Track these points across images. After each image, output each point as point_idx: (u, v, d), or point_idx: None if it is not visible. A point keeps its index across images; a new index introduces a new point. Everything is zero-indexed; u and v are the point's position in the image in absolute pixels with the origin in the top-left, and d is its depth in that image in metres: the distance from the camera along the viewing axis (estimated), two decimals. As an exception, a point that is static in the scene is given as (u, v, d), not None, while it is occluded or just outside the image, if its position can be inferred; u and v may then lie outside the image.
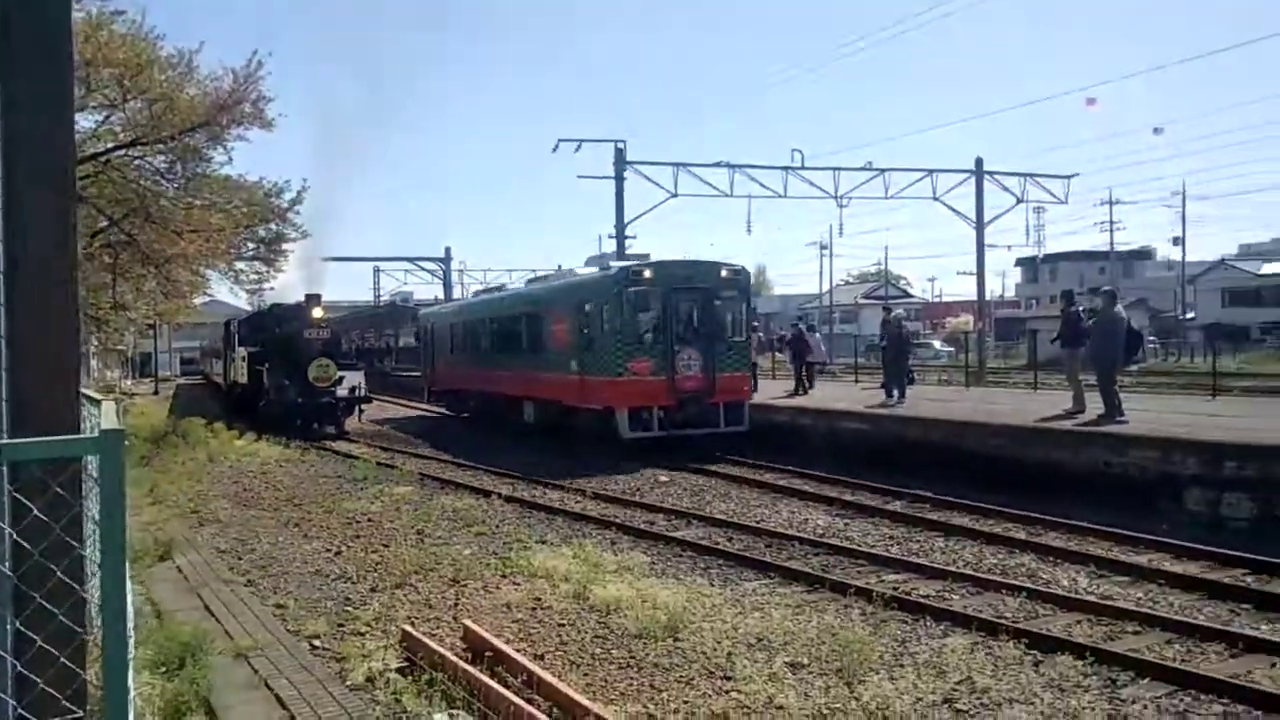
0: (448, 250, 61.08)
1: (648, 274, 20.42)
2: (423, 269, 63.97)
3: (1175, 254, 77.28)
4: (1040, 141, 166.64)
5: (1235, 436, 13.11)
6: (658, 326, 20.24)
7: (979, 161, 42.07)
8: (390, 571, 10.72)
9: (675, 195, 37.52)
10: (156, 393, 55.31)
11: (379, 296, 76.00)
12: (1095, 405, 16.01)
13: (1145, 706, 6.70)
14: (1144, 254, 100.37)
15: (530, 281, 30.39)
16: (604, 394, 20.24)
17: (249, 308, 39.11)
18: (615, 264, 21.53)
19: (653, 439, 19.77)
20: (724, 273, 21.18)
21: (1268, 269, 76.92)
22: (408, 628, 8.14)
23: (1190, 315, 70.89)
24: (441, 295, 62.72)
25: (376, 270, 73.29)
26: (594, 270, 23.69)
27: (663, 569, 10.90)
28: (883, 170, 40.16)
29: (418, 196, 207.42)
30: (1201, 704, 6.78)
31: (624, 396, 19.80)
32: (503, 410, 26.94)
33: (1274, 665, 7.43)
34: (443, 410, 34.63)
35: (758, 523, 13.27)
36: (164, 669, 6.94)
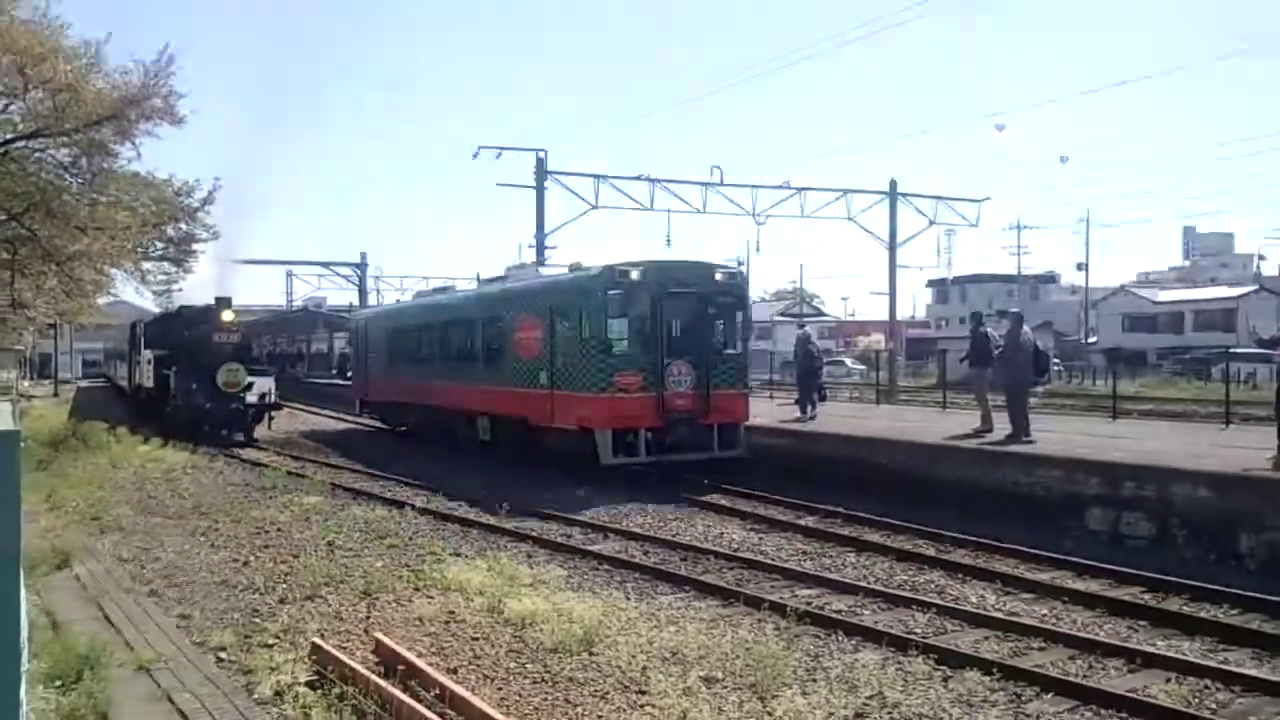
0: (363, 255, 60.19)
1: (635, 275, 17.73)
2: (337, 274, 62.89)
3: (1079, 279, 79.84)
4: (953, 165, 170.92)
5: (1133, 458, 13.56)
6: (645, 336, 17.87)
7: (893, 184, 43.01)
8: (300, 583, 10.49)
9: (596, 207, 37.56)
10: (56, 395, 53.45)
11: (292, 301, 74.57)
12: (1003, 425, 16.41)
13: (1051, 722, 6.87)
14: (1049, 278, 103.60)
15: (486, 282, 26.60)
16: (581, 412, 17.82)
17: (156, 309, 37.98)
18: (595, 265, 18.86)
19: (639, 466, 17.57)
20: (719, 276, 18.91)
21: (1164, 296, 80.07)
22: (318, 640, 7.97)
23: (1092, 339, 73.30)
24: (356, 301, 61.78)
25: (289, 274, 72.01)
26: (569, 270, 20.75)
27: (579, 583, 10.86)
28: (800, 189, 40.75)
29: (333, 200, 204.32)
30: (1103, 718, 6.98)
31: (606, 416, 17.37)
32: (451, 426, 24.23)
33: (1169, 680, 7.68)
34: (378, 424, 31.52)
35: (673, 536, 13.32)
36: (60, 682, 6.68)
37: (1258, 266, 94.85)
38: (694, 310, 18.36)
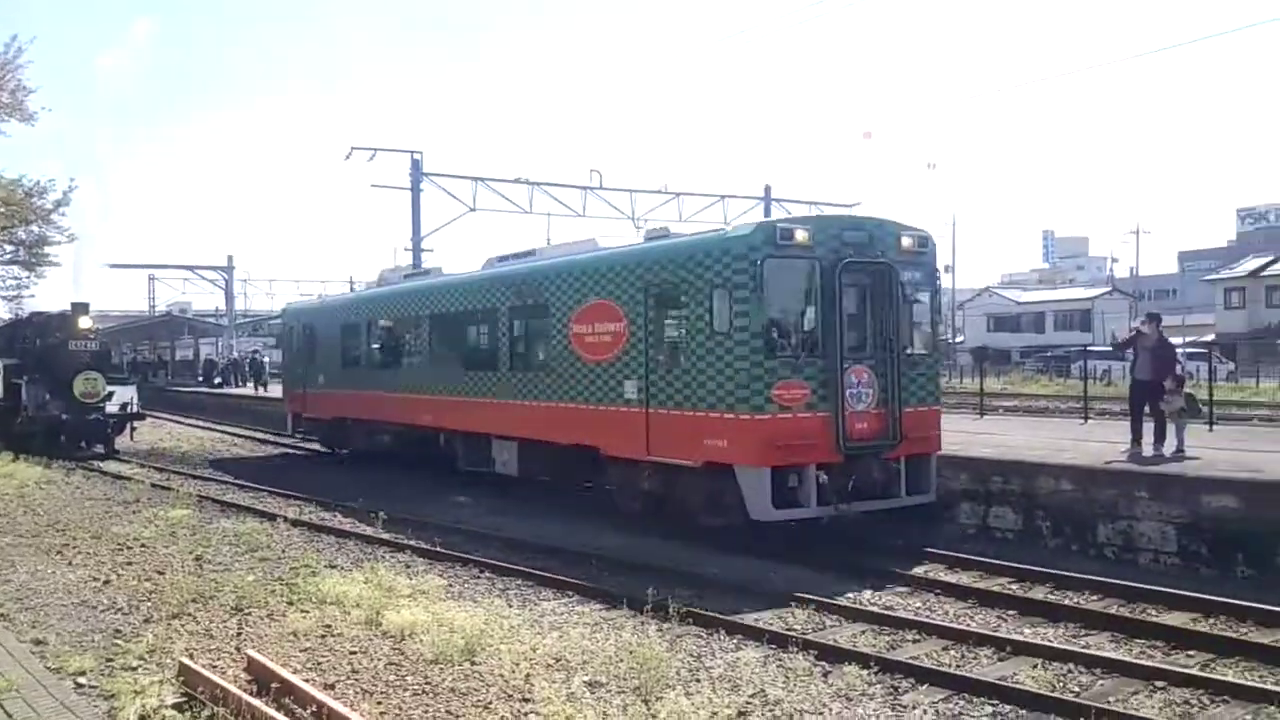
0: (230, 259, 58.22)
1: (802, 235, 12.31)
2: (203, 278, 60.69)
3: (946, 280, 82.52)
4: (826, 171, 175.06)
5: (1000, 453, 14.07)
6: (817, 327, 12.57)
7: (767, 189, 43.81)
8: (166, 601, 10.03)
9: (474, 210, 37.22)
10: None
11: (154, 307, 71.67)
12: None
13: (925, 711, 7.06)
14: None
15: (502, 260, 19.26)
16: (713, 440, 12.41)
17: (7, 315, 36.03)
18: (741, 223, 13.73)
19: (808, 521, 12.37)
20: (906, 240, 13.26)
21: (1025, 297, 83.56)
22: (185, 660, 7.64)
23: (960, 339, 75.92)
24: (223, 306, 59.76)
25: (151, 279, 69.09)
26: (649, 237, 15.64)
27: (460, 591, 10.70)
28: (677, 194, 41.19)
29: (198, 202, 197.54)
30: (975, 706, 7.20)
31: (761, 446, 11.93)
32: (447, 452, 19.27)
33: (1035, 666, 7.98)
34: (314, 446, 26.30)
35: (555, 543, 13.24)
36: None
37: (1110, 269, 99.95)
38: (877, 289, 12.97)
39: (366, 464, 21.66)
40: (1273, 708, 7.07)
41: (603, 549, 12.60)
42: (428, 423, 19.49)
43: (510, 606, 9.99)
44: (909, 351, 13.20)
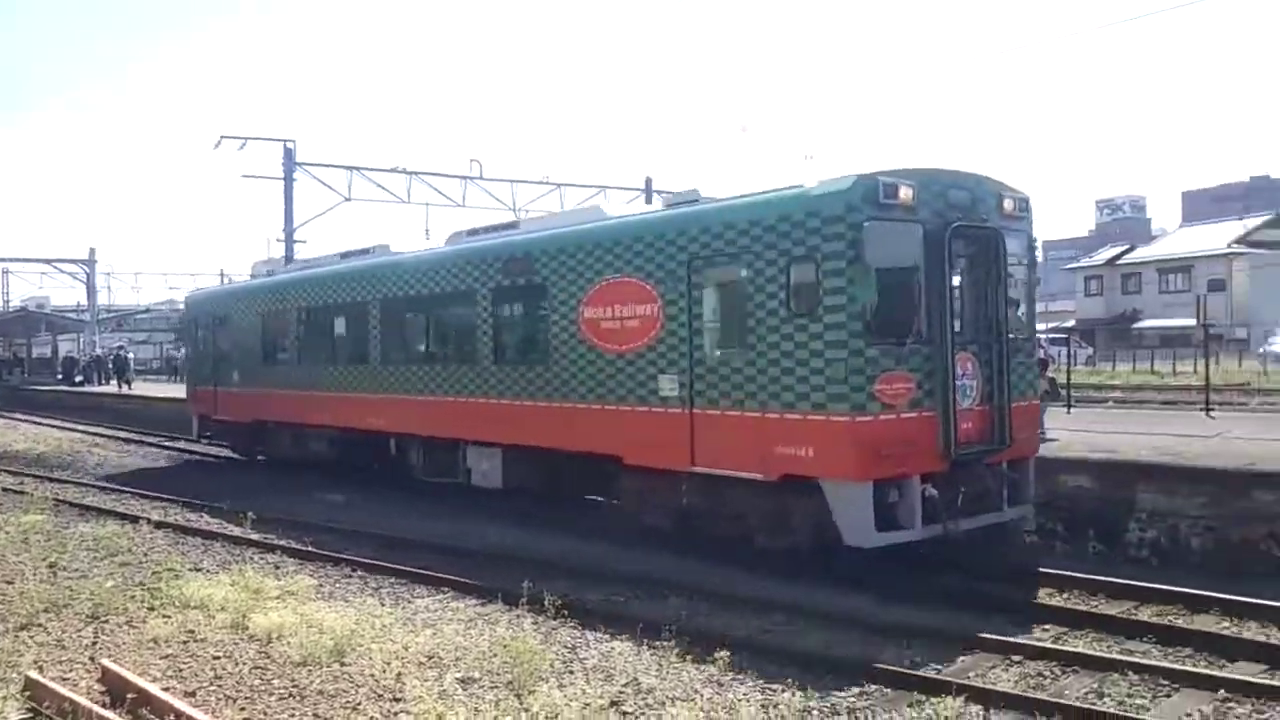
0: (92, 251, 55.62)
1: (906, 192, 9.98)
2: (62, 271, 57.88)
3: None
4: (706, 163, 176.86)
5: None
6: (918, 305, 10.38)
7: (648, 180, 43.93)
8: (14, 611, 9.56)
9: (349, 200, 36.45)
10: None
11: (8, 302, 68.18)
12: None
13: (794, 694, 7.18)
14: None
15: (470, 235, 16.36)
16: (790, 448, 10.12)
17: None
18: (830, 177, 10.30)
19: (912, 544, 10.07)
20: (1008, 203, 11.14)
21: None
22: (33, 674, 7.29)
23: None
24: (84, 301, 57.15)
25: (5, 272, 65.69)
26: (670, 204, 12.97)
27: (330, 591, 10.48)
28: (559, 185, 41.02)
29: (56, 192, 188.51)
30: (841, 685, 7.37)
31: (865, 454, 9.72)
32: (399, 460, 16.89)
33: (903, 646, 8.22)
34: (223, 450, 23.62)
35: (429, 537, 13.06)
36: None
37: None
38: (981, 260, 10.90)
39: (241, 465, 20.97)
40: (1116, 675, 7.45)
41: (488, 545, 12.51)
42: (377, 426, 16.82)
43: (383, 605, 9.84)
44: (1019, 336, 11.37)
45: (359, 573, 11.34)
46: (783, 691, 7.23)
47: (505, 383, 13.95)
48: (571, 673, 7.70)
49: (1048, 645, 8.20)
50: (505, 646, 8.08)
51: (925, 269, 10.21)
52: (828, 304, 9.81)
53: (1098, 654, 8.00)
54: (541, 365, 13.25)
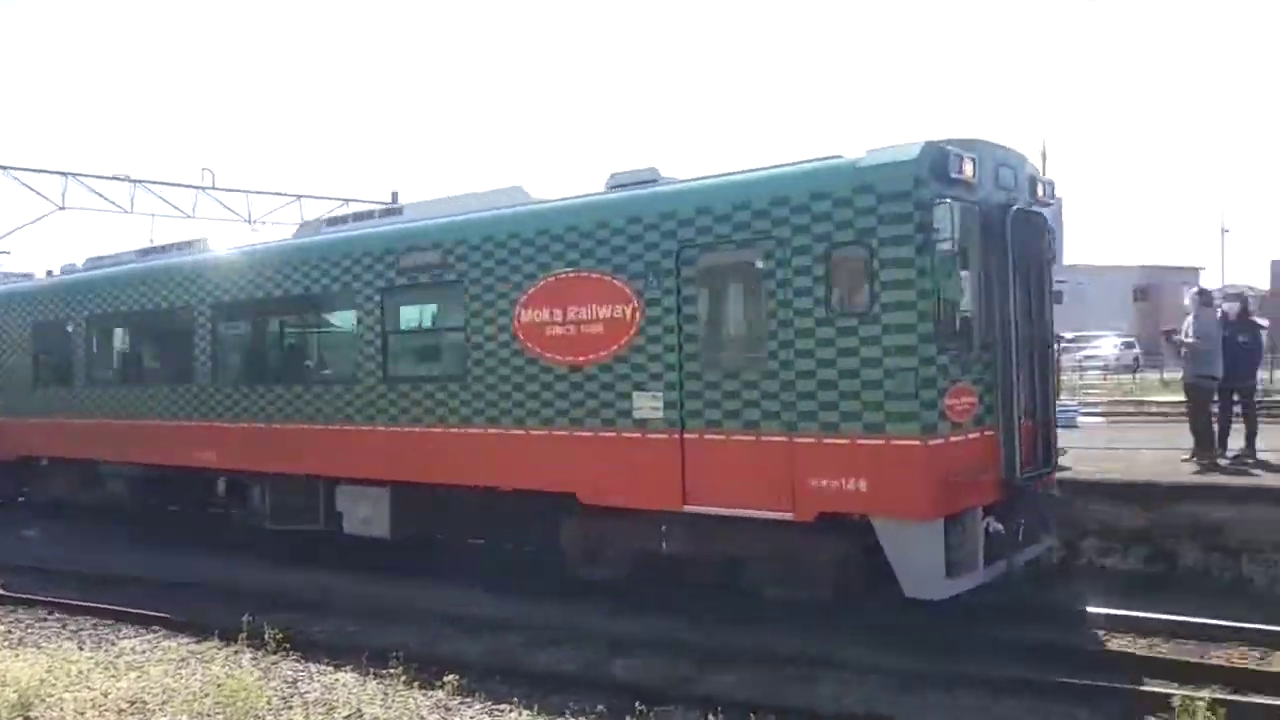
0: None
1: (969, 168, 8.18)
2: None
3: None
4: (452, 177, 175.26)
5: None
6: (978, 303, 8.78)
7: (394, 195, 43.10)
8: None
9: (64, 208, 33.67)
10: None
11: None
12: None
13: (520, 713, 7.14)
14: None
15: (330, 225, 13.42)
16: (836, 478, 8.21)
17: None
18: (880, 146, 8.36)
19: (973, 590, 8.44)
20: (1040, 187, 9.61)
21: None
22: None
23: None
24: None
25: None
26: (687, 184, 9.69)
27: (20, 638, 9.59)
28: (298, 196, 39.64)
29: None
30: (568, 702, 7.38)
31: (936, 485, 7.96)
32: (231, 503, 13.88)
33: (631, 659, 8.36)
34: None
35: (140, 570, 12.18)
36: None
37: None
38: (1029, 250, 9.19)
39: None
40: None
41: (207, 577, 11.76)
42: (204, 461, 13.47)
43: (82, 649, 9.07)
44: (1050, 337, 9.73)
45: (56, 614, 10.46)
46: (509, 712, 7.19)
47: (399, 405, 11.22)
48: (290, 708, 7.33)
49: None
50: (219, 686, 7.59)
51: (984, 259, 8.68)
52: (887, 300, 7.98)
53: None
54: (456, 383, 10.69)
